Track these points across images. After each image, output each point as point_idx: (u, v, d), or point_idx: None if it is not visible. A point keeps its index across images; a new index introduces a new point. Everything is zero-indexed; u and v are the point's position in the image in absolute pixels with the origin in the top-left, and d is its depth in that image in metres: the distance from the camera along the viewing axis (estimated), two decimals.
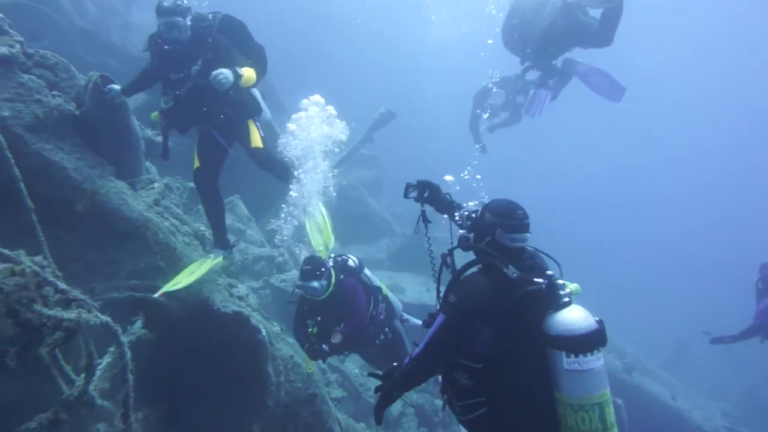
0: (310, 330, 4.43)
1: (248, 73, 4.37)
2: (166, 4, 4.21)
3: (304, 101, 6.57)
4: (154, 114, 4.48)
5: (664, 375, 14.43)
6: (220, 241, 5.19)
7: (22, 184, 2.93)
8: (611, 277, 27.17)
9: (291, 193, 5.63)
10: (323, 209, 5.82)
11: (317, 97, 6.68)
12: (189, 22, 4.27)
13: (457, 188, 8.02)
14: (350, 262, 4.64)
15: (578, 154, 41.65)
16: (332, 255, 4.76)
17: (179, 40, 4.28)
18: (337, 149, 6.65)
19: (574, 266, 2.66)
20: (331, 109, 6.65)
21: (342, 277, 4.43)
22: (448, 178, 8.10)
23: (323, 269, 4.28)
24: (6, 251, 2.17)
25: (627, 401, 9.32)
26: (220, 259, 5.04)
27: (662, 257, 36.25)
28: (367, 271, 4.78)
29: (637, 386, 11.71)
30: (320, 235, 5.63)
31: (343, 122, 6.72)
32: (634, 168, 43.02)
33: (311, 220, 5.80)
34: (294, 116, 6.55)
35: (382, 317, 4.63)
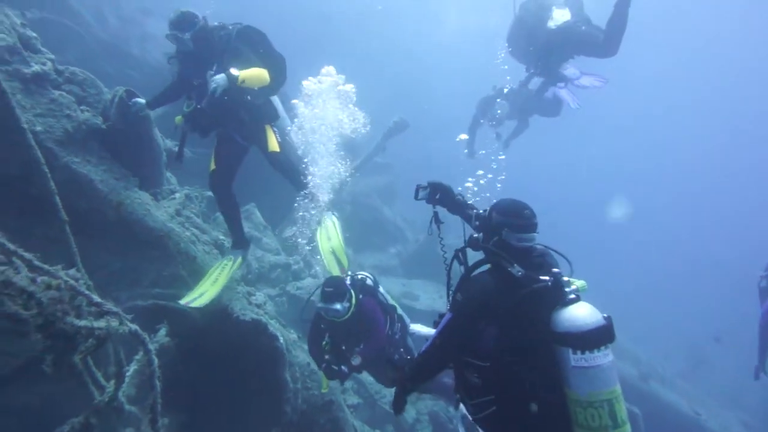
0: (323, 344, 4.45)
1: (249, 73, 4.50)
2: (170, 18, 4.59)
3: (306, 82, 6.23)
4: (178, 118, 4.71)
5: (680, 383, 14.25)
6: (239, 242, 5.32)
7: (57, 198, 3.06)
8: (612, 279, 26.71)
9: (304, 191, 5.54)
10: (335, 220, 5.79)
11: (330, 69, 6.34)
12: (188, 35, 4.51)
13: (465, 151, 8.06)
14: (368, 281, 4.65)
15: (577, 155, 41.14)
16: (349, 273, 4.76)
17: (182, 50, 4.64)
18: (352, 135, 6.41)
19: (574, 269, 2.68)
20: (349, 87, 6.37)
21: (361, 297, 4.42)
22: (463, 136, 8.16)
23: (345, 291, 4.26)
24: (45, 266, 2.29)
25: (643, 410, 9.24)
26: (240, 260, 5.19)
27: (664, 259, 35.79)
28: (381, 289, 4.79)
29: (654, 395, 11.58)
30: (329, 243, 5.62)
31: (362, 114, 6.50)
32: (636, 169, 42.53)
33: (323, 231, 5.80)
34: (305, 83, 6.22)
35: (397, 337, 4.63)
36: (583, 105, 7.50)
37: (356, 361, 4.15)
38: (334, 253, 5.37)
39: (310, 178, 5.57)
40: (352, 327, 4.28)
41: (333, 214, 5.83)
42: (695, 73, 35.70)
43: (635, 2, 5.42)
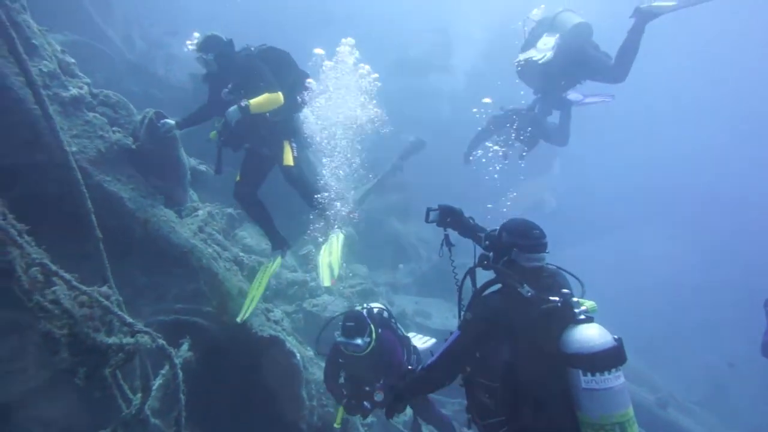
0: (340, 380, 4.45)
1: (259, 101, 4.74)
2: (197, 41, 4.99)
3: (318, 50, 6.14)
4: (213, 133, 4.99)
5: (699, 412, 13.88)
6: (276, 242, 5.62)
7: (93, 216, 3.21)
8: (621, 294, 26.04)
9: (316, 209, 5.70)
10: (341, 237, 5.91)
11: (347, 44, 6.17)
12: (212, 56, 4.84)
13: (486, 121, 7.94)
14: (385, 314, 4.66)
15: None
16: (365, 306, 4.78)
17: (210, 72, 5.01)
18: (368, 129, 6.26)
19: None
20: (374, 76, 6.25)
21: (380, 331, 4.40)
22: (486, 100, 8.17)
23: (366, 325, 4.24)
24: (83, 287, 2.41)
25: None
26: (279, 260, 5.53)
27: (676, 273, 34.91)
28: (394, 320, 4.81)
29: (672, 422, 11.31)
30: (329, 257, 5.74)
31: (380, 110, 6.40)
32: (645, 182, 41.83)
33: (326, 246, 5.93)
34: (315, 50, 6.09)
35: (412, 368, 4.64)
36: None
37: (379, 397, 4.11)
38: (330, 266, 5.51)
39: (322, 182, 5.78)
40: (371, 361, 4.27)
41: (341, 231, 5.98)
42: (710, 76, 35.03)
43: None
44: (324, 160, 6.21)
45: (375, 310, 4.64)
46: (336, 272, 5.33)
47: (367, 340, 4.17)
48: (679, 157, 40.03)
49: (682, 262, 37.10)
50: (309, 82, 5.63)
